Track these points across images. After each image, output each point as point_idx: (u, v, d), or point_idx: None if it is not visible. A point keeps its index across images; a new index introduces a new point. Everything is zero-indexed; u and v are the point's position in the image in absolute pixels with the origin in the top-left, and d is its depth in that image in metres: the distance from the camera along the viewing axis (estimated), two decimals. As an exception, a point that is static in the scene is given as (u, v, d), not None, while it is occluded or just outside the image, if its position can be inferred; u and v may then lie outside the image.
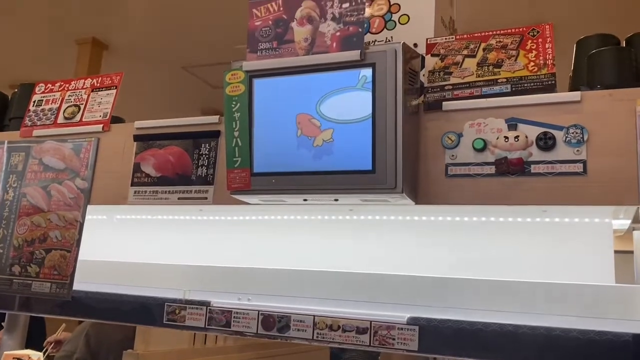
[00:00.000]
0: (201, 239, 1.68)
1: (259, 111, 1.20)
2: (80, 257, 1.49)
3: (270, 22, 1.22)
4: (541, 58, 1.15)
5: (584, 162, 1.05)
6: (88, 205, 1.51)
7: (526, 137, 1.09)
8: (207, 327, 1.34)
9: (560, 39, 1.23)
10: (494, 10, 4.72)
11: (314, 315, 1.24)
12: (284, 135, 1.18)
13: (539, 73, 1.13)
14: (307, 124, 1.16)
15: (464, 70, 1.19)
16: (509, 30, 1.20)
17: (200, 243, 1.67)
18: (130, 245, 1.77)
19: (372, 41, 1.38)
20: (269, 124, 1.20)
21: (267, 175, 1.19)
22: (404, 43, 1.12)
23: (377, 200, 1.16)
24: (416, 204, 1.16)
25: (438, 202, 1.15)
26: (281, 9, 1.22)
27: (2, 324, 2.19)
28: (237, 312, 1.31)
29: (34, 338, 2.27)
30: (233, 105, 1.21)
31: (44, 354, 2.23)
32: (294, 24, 1.20)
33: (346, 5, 1.16)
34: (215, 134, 1.38)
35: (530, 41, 1.17)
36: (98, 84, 1.63)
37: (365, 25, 1.36)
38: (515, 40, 1.18)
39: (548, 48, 1.15)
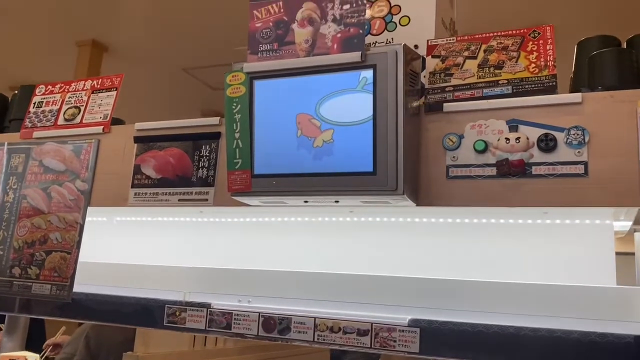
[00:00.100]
0: (201, 240, 1.68)
1: (259, 112, 1.20)
2: (81, 259, 1.48)
3: (271, 24, 1.22)
4: (542, 59, 1.14)
5: (585, 164, 1.05)
6: (88, 207, 1.51)
7: (527, 138, 1.09)
8: (207, 329, 1.34)
9: (561, 40, 1.23)
10: (494, 12, 4.72)
11: (315, 317, 1.24)
12: (284, 137, 1.18)
13: (540, 74, 1.13)
14: (307, 124, 1.16)
15: (464, 71, 1.19)
16: (510, 32, 1.20)
17: (201, 245, 1.67)
18: (130, 247, 1.77)
19: (373, 43, 1.38)
20: (270, 125, 1.19)
21: (268, 176, 1.19)
22: (404, 44, 1.12)
23: (378, 202, 1.16)
24: (417, 205, 1.15)
25: (439, 203, 1.15)
26: (282, 10, 1.22)
27: (2, 325, 2.19)
28: (237, 314, 1.31)
29: (34, 340, 2.27)
30: (234, 107, 1.21)
31: (42, 356, 2.23)
32: (294, 26, 1.20)
33: (347, 6, 1.16)
34: (216, 136, 1.38)
35: (531, 43, 1.17)
36: (98, 86, 1.63)
37: (366, 26, 1.35)
38: (516, 42, 1.18)
39: (549, 49, 1.15)
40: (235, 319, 1.31)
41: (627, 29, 1.39)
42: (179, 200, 1.39)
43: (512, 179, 1.09)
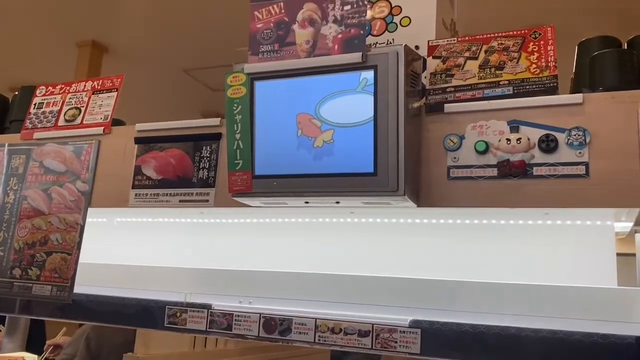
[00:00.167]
0: (202, 241, 1.68)
1: (260, 113, 1.20)
2: (81, 260, 1.48)
3: (271, 25, 1.22)
4: (543, 60, 1.14)
5: (586, 164, 1.05)
6: (89, 208, 1.50)
7: (528, 139, 1.09)
8: (208, 330, 1.34)
9: (562, 41, 1.23)
10: (495, 13, 4.72)
11: (316, 318, 1.24)
12: (285, 137, 1.18)
13: (540, 75, 1.13)
14: (308, 124, 1.16)
15: (465, 72, 1.19)
16: (511, 33, 1.20)
17: (202, 246, 1.67)
18: (131, 248, 1.77)
19: (374, 43, 1.38)
20: (271, 126, 1.19)
21: (269, 177, 1.19)
22: (405, 45, 1.12)
23: (379, 203, 1.16)
24: (418, 206, 1.15)
25: (440, 204, 1.15)
26: (283, 11, 1.22)
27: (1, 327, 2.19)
28: (238, 315, 1.31)
29: (34, 341, 2.27)
30: (234, 108, 1.21)
31: (43, 357, 2.23)
32: (295, 26, 1.20)
33: (348, 7, 1.16)
34: (217, 137, 1.38)
35: (532, 43, 1.17)
36: (99, 87, 1.63)
37: (367, 27, 1.35)
38: (517, 43, 1.18)
39: (550, 50, 1.15)
40: (236, 319, 1.31)
41: (628, 30, 1.39)
42: (180, 201, 1.38)
43: (513, 180, 1.09)
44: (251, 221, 1.60)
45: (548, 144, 1.07)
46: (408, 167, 1.10)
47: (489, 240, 1.33)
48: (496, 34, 1.20)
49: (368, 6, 1.37)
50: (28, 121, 1.68)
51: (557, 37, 1.16)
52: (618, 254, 1.23)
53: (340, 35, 1.16)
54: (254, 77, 1.21)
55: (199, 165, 1.38)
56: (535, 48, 1.16)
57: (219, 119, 1.39)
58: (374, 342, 1.18)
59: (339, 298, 1.29)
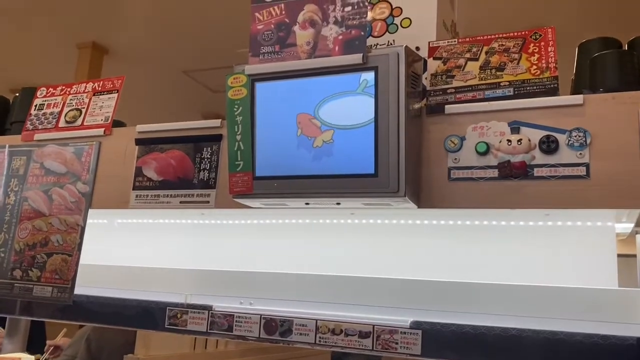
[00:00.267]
0: (203, 242, 1.68)
1: (261, 115, 1.20)
2: (82, 261, 1.48)
3: (272, 26, 1.22)
4: (543, 61, 1.15)
5: (587, 165, 1.05)
6: (89, 209, 1.50)
7: (529, 140, 1.09)
8: (209, 331, 1.34)
9: (562, 42, 1.23)
10: (495, 14, 4.73)
11: (317, 319, 1.24)
12: (285, 138, 1.18)
13: (541, 76, 1.13)
14: (308, 124, 1.16)
15: (466, 73, 1.19)
16: (511, 34, 1.20)
17: (202, 247, 1.67)
18: (131, 249, 1.77)
19: (374, 45, 1.38)
20: (271, 127, 1.20)
21: (269, 179, 1.19)
22: (406, 46, 1.12)
23: (380, 204, 1.16)
24: (419, 207, 1.15)
25: (441, 205, 1.15)
26: (283, 12, 1.22)
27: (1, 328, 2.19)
28: (239, 316, 1.31)
29: (34, 343, 2.27)
30: (235, 109, 1.21)
31: (42, 358, 2.23)
32: (296, 28, 1.20)
33: (348, 8, 1.16)
34: (217, 138, 1.38)
35: (532, 44, 1.17)
36: (100, 88, 1.63)
37: (367, 28, 1.36)
38: (518, 44, 1.18)
39: (550, 51, 1.15)
40: (236, 321, 1.31)
41: (628, 31, 1.39)
42: (181, 202, 1.38)
43: (514, 181, 1.09)
44: (252, 222, 1.60)
45: (549, 145, 1.07)
46: (409, 168, 1.10)
47: (490, 242, 1.33)
48: (497, 35, 1.21)
49: (369, 7, 1.37)
50: (29, 122, 1.68)
51: (557, 39, 1.16)
52: (619, 255, 1.23)
53: (340, 37, 1.16)
54: (254, 79, 1.21)
55: (199, 167, 1.38)
56: (535, 49, 1.16)
57: (220, 120, 1.39)
58: (375, 343, 1.18)
59: (340, 299, 1.29)
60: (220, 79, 1.23)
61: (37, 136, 1.64)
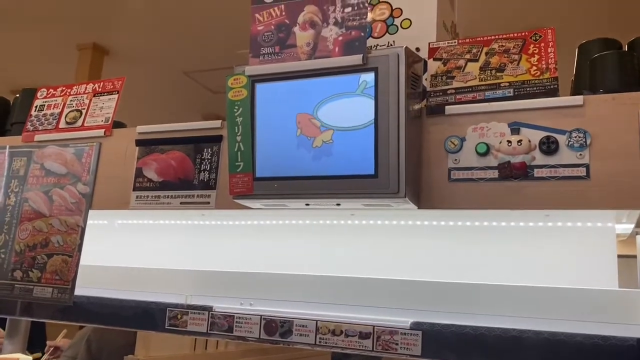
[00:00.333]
0: (203, 243, 1.68)
1: (261, 116, 1.20)
2: (82, 262, 1.48)
3: (272, 27, 1.22)
4: (543, 62, 1.15)
5: (587, 166, 1.05)
6: (90, 210, 1.51)
7: (529, 141, 1.09)
8: (209, 332, 1.34)
9: (562, 43, 1.23)
10: (495, 15, 4.73)
11: (317, 320, 1.24)
12: (285, 139, 1.18)
13: (541, 77, 1.13)
14: (307, 124, 1.16)
15: (466, 74, 1.19)
16: (511, 35, 1.20)
17: (202, 248, 1.67)
18: (132, 250, 1.77)
19: (374, 45, 1.38)
20: (271, 128, 1.20)
21: (269, 179, 1.19)
22: (406, 47, 1.12)
23: (380, 205, 1.16)
24: (419, 208, 1.15)
25: (441, 206, 1.15)
26: (283, 13, 1.22)
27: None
28: (239, 317, 1.31)
29: (35, 344, 2.27)
30: (235, 110, 1.21)
31: (43, 358, 2.23)
32: (296, 29, 1.20)
33: (348, 9, 1.16)
34: (218, 139, 1.38)
35: (532, 45, 1.17)
36: (100, 89, 1.63)
37: (368, 29, 1.36)
38: (518, 45, 1.18)
39: (550, 52, 1.15)
40: (237, 322, 1.31)
41: (628, 32, 1.39)
42: (181, 203, 1.39)
43: (514, 182, 1.09)
44: (252, 223, 1.60)
45: (549, 146, 1.07)
46: (409, 169, 1.10)
47: (490, 242, 1.33)
48: (497, 36, 1.21)
49: (369, 8, 1.37)
50: (29, 123, 1.68)
51: (557, 39, 1.16)
52: (619, 256, 1.23)
53: (341, 38, 1.16)
54: (254, 80, 1.21)
55: (200, 168, 1.38)
56: (535, 50, 1.16)
57: (220, 121, 1.39)
58: (375, 344, 1.18)
59: (340, 300, 1.29)
60: (220, 80, 1.24)
61: (38, 137, 1.64)
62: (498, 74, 1.17)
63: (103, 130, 1.55)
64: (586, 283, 1.18)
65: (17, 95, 1.84)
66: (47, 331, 2.92)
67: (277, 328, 1.27)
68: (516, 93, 1.14)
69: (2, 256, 1.58)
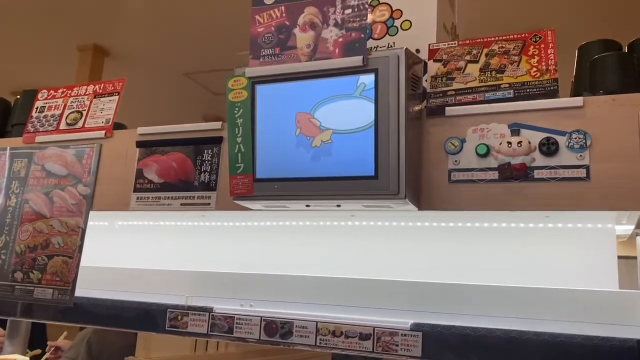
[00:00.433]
0: (203, 244, 1.68)
1: (261, 117, 1.21)
2: (82, 263, 1.48)
3: (272, 29, 1.22)
4: (543, 64, 1.15)
5: (587, 167, 1.05)
6: (90, 212, 1.51)
7: (529, 142, 1.09)
8: (209, 333, 1.34)
9: (562, 44, 1.23)
10: (495, 17, 4.73)
11: (317, 321, 1.24)
12: (285, 140, 1.18)
13: (541, 78, 1.13)
14: (307, 123, 1.16)
15: (466, 75, 1.19)
16: (511, 36, 1.20)
17: (203, 249, 1.67)
18: (132, 251, 1.77)
19: (374, 47, 1.38)
20: (272, 129, 1.20)
21: (270, 181, 1.19)
22: (406, 48, 1.12)
23: (380, 206, 1.16)
24: (419, 209, 1.15)
25: (441, 207, 1.15)
26: (284, 15, 1.22)
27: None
28: (239, 318, 1.31)
29: (35, 345, 2.27)
30: (236, 112, 1.22)
31: (43, 359, 2.23)
32: (296, 30, 1.20)
33: (348, 11, 1.17)
34: (218, 140, 1.38)
35: (532, 47, 1.17)
36: (100, 90, 1.63)
37: (368, 31, 1.36)
38: (518, 46, 1.18)
39: (550, 54, 1.15)
40: (237, 323, 1.31)
41: (628, 33, 1.39)
42: (181, 204, 1.39)
43: (514, 183, 1.09)
44: (252, 224, 1.60)
45: (549, 147, 1.07)
46: (409, 171, 1.10)
47: (490, 244, 1.33)
48: (497, 38, 1.21)
49: (369, 10, 1.37)
50: (30, 125, 1.68)
51: (557, 41, 1.16)
52: (619, 257, 1.23)
53: (341, 39, 1.16)
54: (255, 81, 1.21)
55: (200, 169, 1.38)
56: (535, 51, 1.16)
57: (220, 122, 1.39)
58: (375, 345, 1.18)
59: (340, 301, 1.29)
60: (221, 82, 1.24)
61: (38, 138, 1.64)
62: (498, 75, 1.17)
63: (104, 131, 1.55)
64: (586, 284, 1.18)
65: (18, 96, 1.84)
66: (48, 332, 2.92)
67: (277, 329, 1.27)
68: (516, 94, 1.14)
69: (3, 257, 1.58)
